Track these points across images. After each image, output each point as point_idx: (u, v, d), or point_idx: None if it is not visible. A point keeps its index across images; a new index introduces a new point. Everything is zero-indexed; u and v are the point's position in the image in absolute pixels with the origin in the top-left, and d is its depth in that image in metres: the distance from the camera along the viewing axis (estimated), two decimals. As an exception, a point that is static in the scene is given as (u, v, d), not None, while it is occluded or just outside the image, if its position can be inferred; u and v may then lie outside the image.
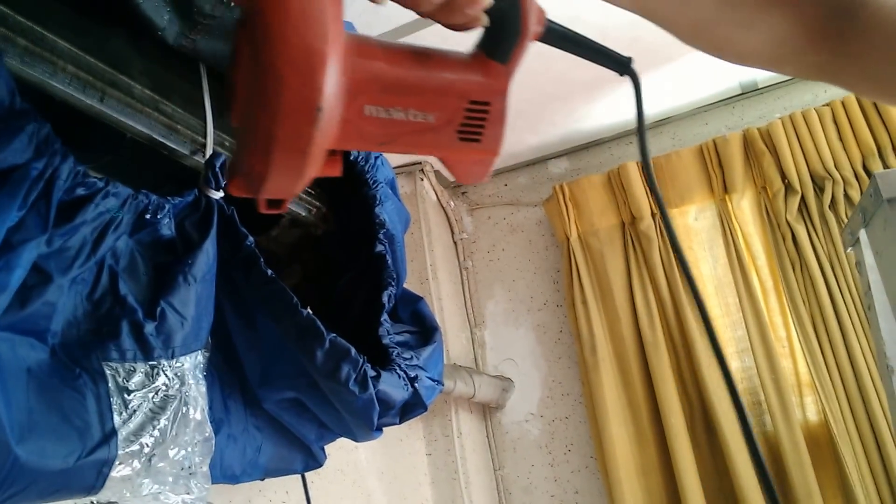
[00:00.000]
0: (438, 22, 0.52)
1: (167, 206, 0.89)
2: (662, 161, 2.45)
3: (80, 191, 0.74)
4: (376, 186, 1.26)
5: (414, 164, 2.56)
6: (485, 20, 0.53)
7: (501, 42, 0.55)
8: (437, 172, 2.68)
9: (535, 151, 2.73)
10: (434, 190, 2.68)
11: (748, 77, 2.40)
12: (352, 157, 1.22)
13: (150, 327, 0.82)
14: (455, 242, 2.80)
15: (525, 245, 2.74)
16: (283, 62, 0.43)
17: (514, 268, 2.73)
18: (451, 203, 2.81)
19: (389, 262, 1.29)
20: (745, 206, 2.34)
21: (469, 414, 2.46)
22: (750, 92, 2.49)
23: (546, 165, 2.79)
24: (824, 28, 0.60)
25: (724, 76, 2.38)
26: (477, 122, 0.55)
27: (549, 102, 2.36)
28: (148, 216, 0.86)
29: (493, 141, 0.57)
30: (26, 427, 0.65)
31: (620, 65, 0.66)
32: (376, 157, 1.27)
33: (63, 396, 0.72)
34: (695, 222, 2.44)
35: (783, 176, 2.26)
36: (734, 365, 2.30)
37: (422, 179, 2.59)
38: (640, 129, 0.66)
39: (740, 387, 2.28)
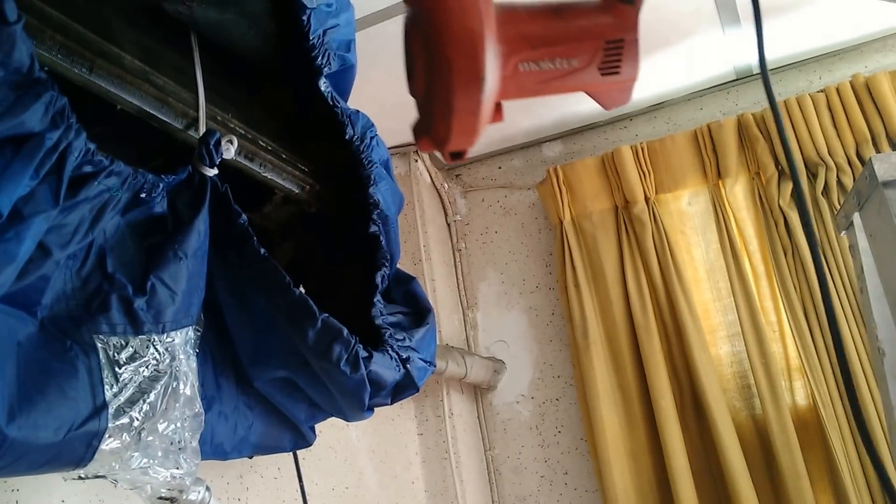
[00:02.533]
0: None
1: (161, 185, 0.88)
2: (657, 145, 2.45)
3: (88, 168, 0.74)
4: (371, 167, 1.25)
5: (408, 145, 2.55)
6: None
7: None
8: (431, 155, 2.68)
9: (529, 134, 2.72)
10: (428, 171, 2.67)
11: (743, 62, 2.39)
12: (347, 137, 1.22)
13: (139, 302, 0.82)
14: (448, 224, 2.79)
15: (518, 228, 2.74)
16: (450, 47, 0.55)
17: (506, 250, 2.73)
18: (445, 185, 2.80)
19: (383, 242, 1.28)
20: (738, 192, 2.34)
21: (460, 395, 2.47)
22: (745, 77, 2.48)
23: (540, 148, 2.79)
24: None
25: (719, 61, 2.37)
26: (615, 57, 0.63)
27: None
28: (143, 195, 0.86)
29: (630, 69, 0.65)
30: (16, 402, 0.65)
31: None
32: (371, 137, 1.26)
33: (54, 369, 0.71)
34: (688, 207, 2.44)
35: (777, 162, 2.26)
36: (724, 349, 2.31)
37: (416, 161, 2.58)
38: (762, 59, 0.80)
39: (729, 371, 2.29)
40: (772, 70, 2.45)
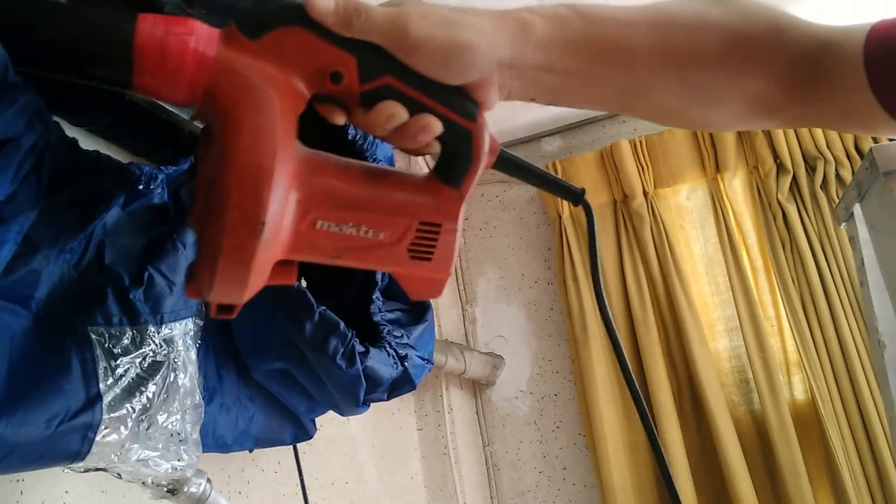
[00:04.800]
0: (392, 145, 0.55)
1: (160, 177, 0.88)
2: (655, 139, 2.44)
3: (71, 163, 0.72)
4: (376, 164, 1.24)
5: (406, 139, 2.54)
6: (436, 147, 0.55)
7: (454, 168, 0.56)
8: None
9: (528, 129, 2.72)
10: (427, 166, 2.67)
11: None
12: (350, 136, 1.21)
13: (136, 292, 0.81)
14: (447, 219, 2.78)
15: (517, 223, 2.73)
16: (232, 178, 0.46)
17: (505, 245, 2.73)
18: (443, 180, 2.79)
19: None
20: (736, 186, 2.34)
21: (459, 390, 2.47)
22: (744, 70, 2.47)
23: (539, 143, 2.78)
24: (794, 80, 0.59)
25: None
26: (428, 241, 0.57)
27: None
28: (140, 187, 0.85)
29: (443, 261, 0.58)
30: (6, 396, 0.64)
31: (574, 195, 0.71)
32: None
33: (47, 361, 0.71)
34: (686, 201, 2.44)
35: (775, 155, 2.26)
36: (723, 343, 2.31)
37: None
38: (593, 258, 0.71)
39: (728, 365, 2.29)
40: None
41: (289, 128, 0.49)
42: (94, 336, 0.75)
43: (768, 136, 2.27)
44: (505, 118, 2.58)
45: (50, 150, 0.65)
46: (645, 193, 2.40)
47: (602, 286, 0.69)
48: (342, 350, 1.08)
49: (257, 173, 0.46)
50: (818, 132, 2.20)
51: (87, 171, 0.75)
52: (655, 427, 2.11)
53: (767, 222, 2.24)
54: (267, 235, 0.47)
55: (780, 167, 2.25)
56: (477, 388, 2.60)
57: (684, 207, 2.44)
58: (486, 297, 2.71)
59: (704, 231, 2.40)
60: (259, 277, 0.50)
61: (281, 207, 0.48)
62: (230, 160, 0.46)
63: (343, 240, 0.54)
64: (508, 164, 0.63)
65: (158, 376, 0.82)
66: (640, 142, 2.45)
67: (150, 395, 0.79)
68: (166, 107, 0.94)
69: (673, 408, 2.19)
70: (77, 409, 0.70)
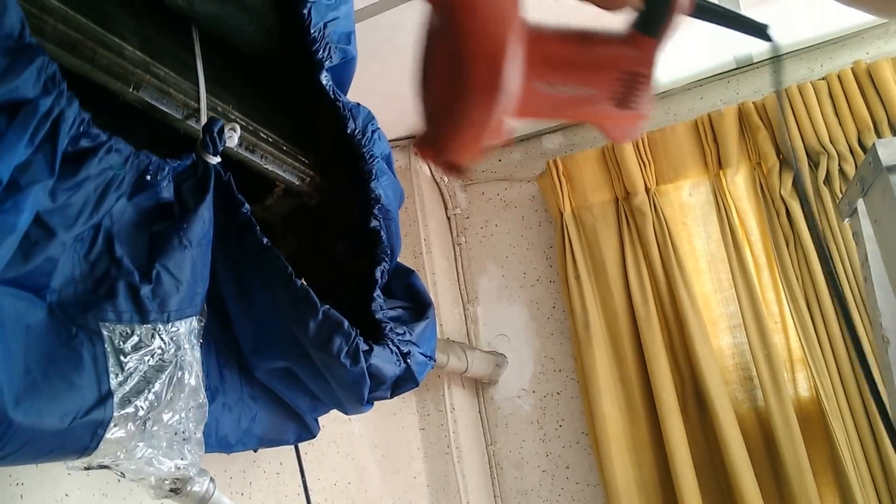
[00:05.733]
0: (595, 5, 0.61)
1: (167, 168, 0.88)
2: (657, 135, 2.44)
3: (85, 142, 0.73)
4: (372, 161, 1.24)
5: (408, 138, 2.54)
6: (638, 1, 0.61)
7: (653, 19, 0.62)
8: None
9: (529, 126, 2.71)
10: (428, 165, 2.66)
11: (743, 51, 2.38)
12: (348, 131, 1.21)
13: (145, 290, 0.82)
14: (449, 218, 2.78)
15: (518, 221, 2.73)
16: (474, 54, 0.54)
17: (507, 243, 2.72)
18: (445, 178, 2.79)
19: (384, 237, 1.27)
20: (739, 182, 2.33)
21: (462, 389, 2.46)
22: (745, 66, 2.47)
23: (540, 141, 2.77)
24: None
25: (719, 50, 2.36)
26: (632, 89, 0.63)
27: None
28: (148, 177, 0.85)
29: (645, 105, 0.65)
30: (23, 387, 0.64)
31: (760, 31, 0.73)
32: (373, 132, 1.25)
33: (60, 355, 0.71)
34: (689, 197, 2.43)
35: (778, 151, 2.25)
36: (726, 340, 2.30)
37: (416, 154, 2.57)
38: (779, 91, 0.84)
39: (731, 362, 2.28)
40: (772, 59, 2.44)
41: (516, 4, 0.55)
42: (105, 332, 0.76)
43: (770, 131, 2.26)
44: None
45: (65, 121, 0.65)
46: (647, 190, 2.40)
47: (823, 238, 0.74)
48: (346, 348, 1.08)
49: (497, 47, 0.53)
50: (821, 126, 2.19)
51: (101, 153, 0.74)
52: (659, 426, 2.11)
53: (770, 218, 2.23)
54: (503, 100, 0.54)
55: (783, 163, 2.24)
56: (479, 387, 2.60)
57: (686, 204, 2.43)
58: (488, 295, 2.70)
59: (707, 227, 2.38)
60: (493, 137, 0.58)
61: (514, 76, 0.55)
62: (471, 39, 0.54)
63: (558, 98, 0.62)
64: (703, 9, 0.67)
65: (165, 374, 0.82)
66: (642, 138, 2.44)
67: (157, 394, 0.79)
68: (161, 107, 0.93)
69: (676, 405, 2.18)
70: (90, 405, 0.70)
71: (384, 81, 2.10)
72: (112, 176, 0.76)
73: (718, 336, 2.31)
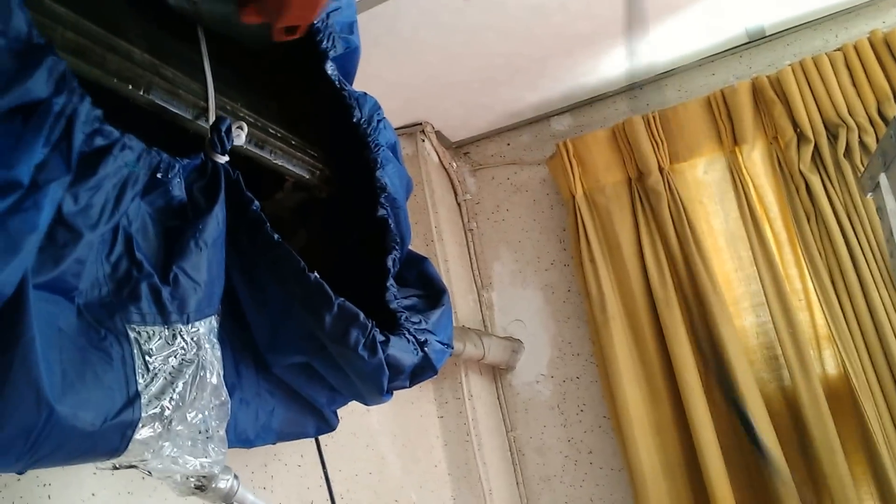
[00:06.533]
0: None
1: (177, 166, 0.86)
2: (669, 114, 2.39)
3: (100, 140, 0.72)
4: (377, 150, 1.22)
5: (415, 124, 2.51)
6: None
7: None
8: (438, 133, 2.63)
9: (536, 109, 2.67)
10: (436, 151, 2.63)
11: (755, 24, 2.33)
12: (354, 120, 1.18)
13: (165, 292, 0.81)
14: (459, 204, 2.75)
15: (530, 204, 2.69)
16: None
17: (519, 228, 2.69)
18: (454, 164, 2.76)
19: (392, 226, 1.25)
20: (756, 158, 2.28)
21: (479, 376, 2.44)
22: (757, 39, 2.41)
23: (549, 123, 2.73)
24: None
25: (730, 24, 2.31)
26: None
27: (549, 58, 2.29)
28: (160, 175, 0.84)
29: None
30: (61, 389, 0.64)
31: None
32: (379, 120, 1.23)
33: (91, 357, 0.71)
34: (704, 175, 2.38)
35: (795, 125, 2.20)
36: (749, 320, 2.26)
37: (423, 140, 2.54)
38: None
39: (755, 342, 2.25)
40: (787, 31, 2.39)
41: None
42: (132, 334, 0.76)
43: (786, 105, 2.21)
44: (511, 99, 2.54)
45: (78, 117, 0.64)
46: (661, 170, 2.35)
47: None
48: (363, 340, 1.06)
49: None
50: (839, 98, 2.14)
51: (115, 150, 0.74)
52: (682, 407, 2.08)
53: (790, 194, 2.19)
54: None
55: (801, 137, 2.19)
56: (497, 373, 2.58)
57: (702, 182, 2.38)
58: (502, 281, 2.67)
59: (724, 206, 2.34)
60: None
61: None
62: None
63: None
64: None
65: (188, 374, 0.82)
66: (654, 117, 2.39)
67: (181, 393, 0.79)
68: (171, 109, 0.91)
69: (699, 387, 2.14)
70: (119, 406, 0.71)
71: (387, 70, 2.08)
72: (128, 174, 0.75)
73: (741, 315, 2.27)
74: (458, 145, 2.81)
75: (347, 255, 1.38)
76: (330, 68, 1.11)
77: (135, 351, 0.75)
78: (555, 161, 2.54)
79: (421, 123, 2.52)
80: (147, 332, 0.78)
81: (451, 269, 2.45)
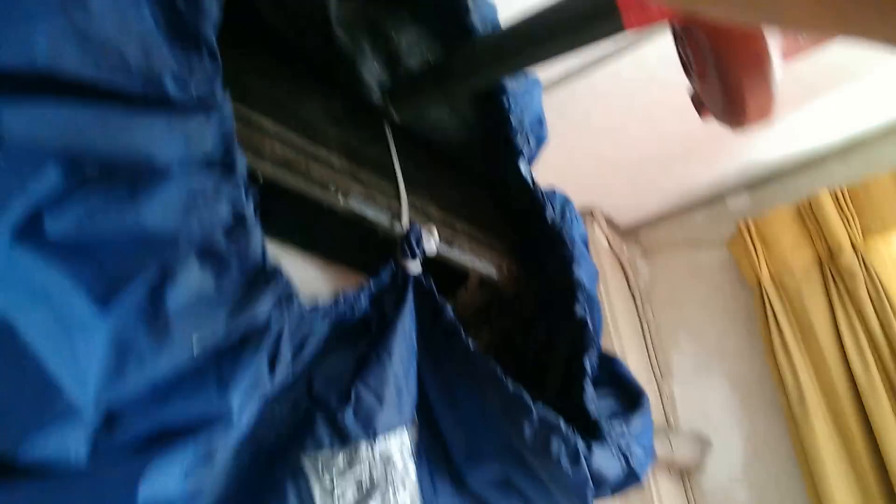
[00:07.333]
0: None
1: (362, 297, 0.85)
2: (858, 189, 2.21)
3: (307, 349, 0.71)
4: (573, 246, 1.18)
5: (583, 209, 2.46)
6: None
7: None
8: (607, 218, 2.57)
9: (711, 187, 2.55)
10: (605, 236, 2.56)
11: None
12: (547, 216, 1.15)
13: (345, 412, 0.78)
14: (631, 290, 2.64)
15: (709, 289, 2.54)
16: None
17: (699, 314, 2.54)
18: (624, 248, 2.67)
19: (590, 324, 1.19)
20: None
21: (667, 477, 2.27)
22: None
23: (724, 201, 2.60)
24: None
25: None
26: None
27: (726, 134, 2.18)
28: (346, 313, 0.82)
29: None
30: None
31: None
32: (571, 215, 1.19)
33: (267, 496, 0.68)
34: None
35: None
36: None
37: (592, 224, 2.48)
38: None
39: None
40: None
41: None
42: (307, 463, 0.72)
43: None
44: (684, 179, 2.44)
45: (288, 331, 0.62)
46: (854, 247, 2.16)
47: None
48: (565, 450, 0.99)
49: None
50: None
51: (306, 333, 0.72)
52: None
53: None
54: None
55: None
56: (684, 475, 2.39)
57: (903, 258, 2.17)
58: (683, 371, 2.51)
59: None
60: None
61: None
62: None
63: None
64: None
65: (377, 495, 0.78)
66: (842, 192, 2.22)
67: None
68: (368, 214, 0.91)
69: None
70: None
71: (556, 155, 2.05)
72: (308, 334, 0.73)
73: None
74: (627, 229, 2.73)
75: (529, 355, 1.33)
76: (523, 166, 1.09)
77: (311, 481, 0.71)
78: (736, 242, 2.40)
79: (590, 208, 2.47)
80: (324, 457, 0.73)
81: (629, 360, 2.34)
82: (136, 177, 0.46)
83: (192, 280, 0.50)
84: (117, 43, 0.45)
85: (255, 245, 0.58)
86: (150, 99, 0.47)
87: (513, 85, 1.02)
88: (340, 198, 0.82)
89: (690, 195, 2.59)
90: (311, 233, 0.96)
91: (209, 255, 0.52)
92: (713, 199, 2.61)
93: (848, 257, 2.16)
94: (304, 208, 0.80)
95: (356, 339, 0.86)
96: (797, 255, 2.27)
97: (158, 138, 0.48)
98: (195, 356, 0.51)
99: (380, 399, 0.83)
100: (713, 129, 2.10)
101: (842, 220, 2.20)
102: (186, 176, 0.50)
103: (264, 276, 0.58)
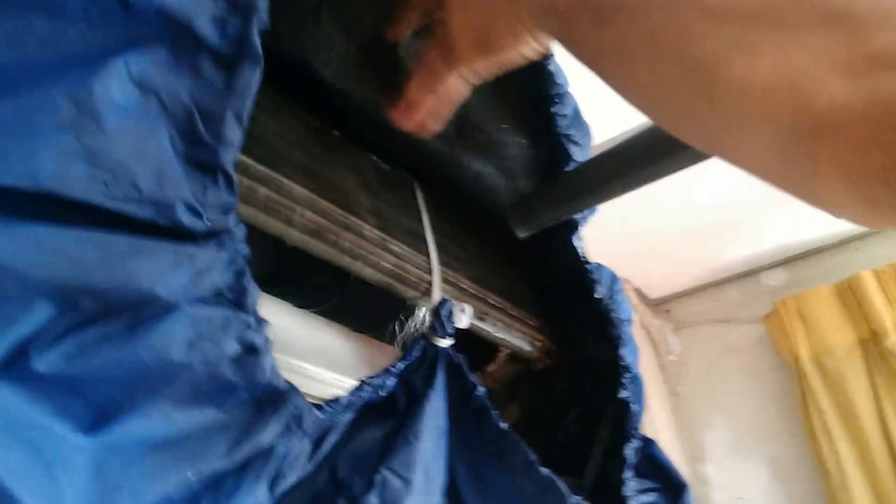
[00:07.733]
0: None
1: (389, 380, 0.80)
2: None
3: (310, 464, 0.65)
4: (620, 325, 1.12)
5: (614, 283, 2.40)
6: None
7: None
8: (637, 290, 2.51)
9: (745, 263, 2.49)
10: (636, 310, 2.49)
11: None
12: (597, 295, 1.10)
13: (370, 497, 0.72)
14: (661, 365, 2.56)
15: (745, 367, 2.45)
16: None
17: (734, 392, 2.44)
18: (654, 322, 2.60)
19: (634, 409, 1.12)
20: None
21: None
22: None
23: (758, 277, 2.53)
24: None
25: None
26: None
27: (762, 210, 2.14)
28: (372, 399, 0.77)
29: None
30: None
31: None
32: (618, 293, 1.14)
33: None
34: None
35: None
36: None
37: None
38: None
39: None
40: None
41: None
42: None
43: None
44: (718, 253, 2.39)
45: (293, 450, 0.58)
46: (898, 328, 2.08)
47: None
48: (601, 544, 0.92)
49: None
50: None
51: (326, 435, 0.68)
52: None
53: None
54: None
55: None
56: (721, 562, 2.27)
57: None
58: (718, 452, 2.41)
59: None
60: None
61: None
62: None
63: None
64: None
65: None
66: (884, 271, 2.15)
67: None
68: (398, 286, 0.87)
69: None
70: None
71: (588, 226, 2.01)
72: (329, 427, 0.68)
73: None
74: (657, 302, 2.66)
75: (565, 436, 1.27)
76: (576, 241, 1.05)
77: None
78: (773, 320, 2.32)
79: (621, 280, 2.41)
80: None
81: (660, 439, 2.24)
82: (135, 312, 0.43)
83: (191, 414, 0.47)
84: (130, 167, 0.41)
85: (265, 370, 0.54)
86: (159, 228, 0.44)
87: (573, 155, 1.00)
88: (370, 271, 0.79)
89: (724, 270, 2.53)
90: (346, 306, 0.93)
91: (213, 384, 0.48)
92: (747, 274, 2.54)
93: (892, 340, 2.08)
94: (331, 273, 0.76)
95: (383, 418, 0.81)
96: (838, 336, 2.19)
97: (164, 272, 0.44)
98: (190, 484, 0.47)
99: (407, 483, 0.77)
100: (750, 203, 2.06)
101: (885, 300, 2.12)
102: (192, 310, 0.46)
103: (272, 399, 0.54)
